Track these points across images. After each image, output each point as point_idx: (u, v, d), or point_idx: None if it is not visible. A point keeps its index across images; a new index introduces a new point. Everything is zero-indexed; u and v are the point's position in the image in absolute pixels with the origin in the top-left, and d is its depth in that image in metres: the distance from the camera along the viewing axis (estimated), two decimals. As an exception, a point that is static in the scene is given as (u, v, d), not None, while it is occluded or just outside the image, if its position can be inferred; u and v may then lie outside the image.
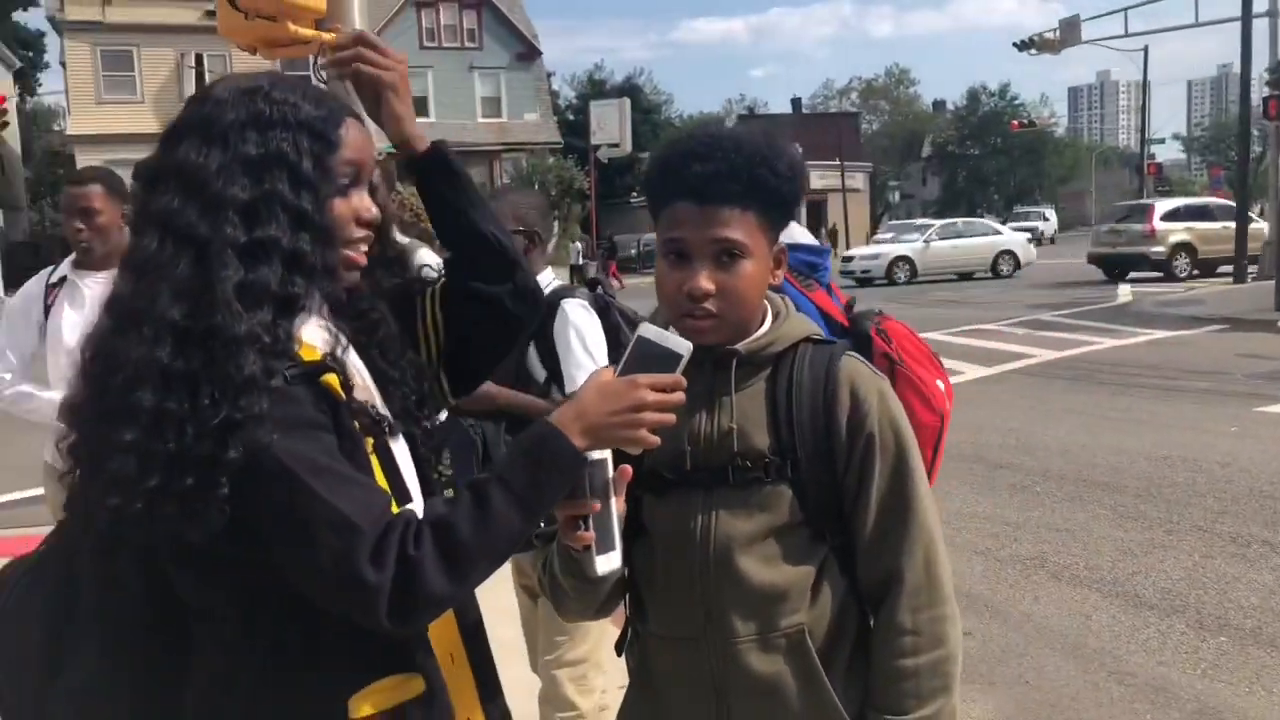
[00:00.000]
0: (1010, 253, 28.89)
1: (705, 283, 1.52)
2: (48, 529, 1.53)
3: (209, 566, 1.28)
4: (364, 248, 1.42)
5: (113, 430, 1.20)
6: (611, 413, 1.33)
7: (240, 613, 1.31)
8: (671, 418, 1.36)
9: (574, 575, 1.58)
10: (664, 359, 1.37)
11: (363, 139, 1.41)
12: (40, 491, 3.75)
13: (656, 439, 1.36)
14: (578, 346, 2.77)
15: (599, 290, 3.02)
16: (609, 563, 1.41)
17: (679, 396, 1.37)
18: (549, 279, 2.96)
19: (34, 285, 3.72)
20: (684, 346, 1.38)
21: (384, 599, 1.22)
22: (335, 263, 1.37)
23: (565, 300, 2.85)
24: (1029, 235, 33.25)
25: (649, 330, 1.40)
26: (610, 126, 32.93)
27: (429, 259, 3.21)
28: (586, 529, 1.39)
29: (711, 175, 1.53)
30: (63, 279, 3.66)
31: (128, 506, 1.19)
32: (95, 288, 3.56)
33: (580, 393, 1.37)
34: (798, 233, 3.02)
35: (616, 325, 2.89)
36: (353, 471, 1.29)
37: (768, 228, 1.58)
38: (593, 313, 2.86)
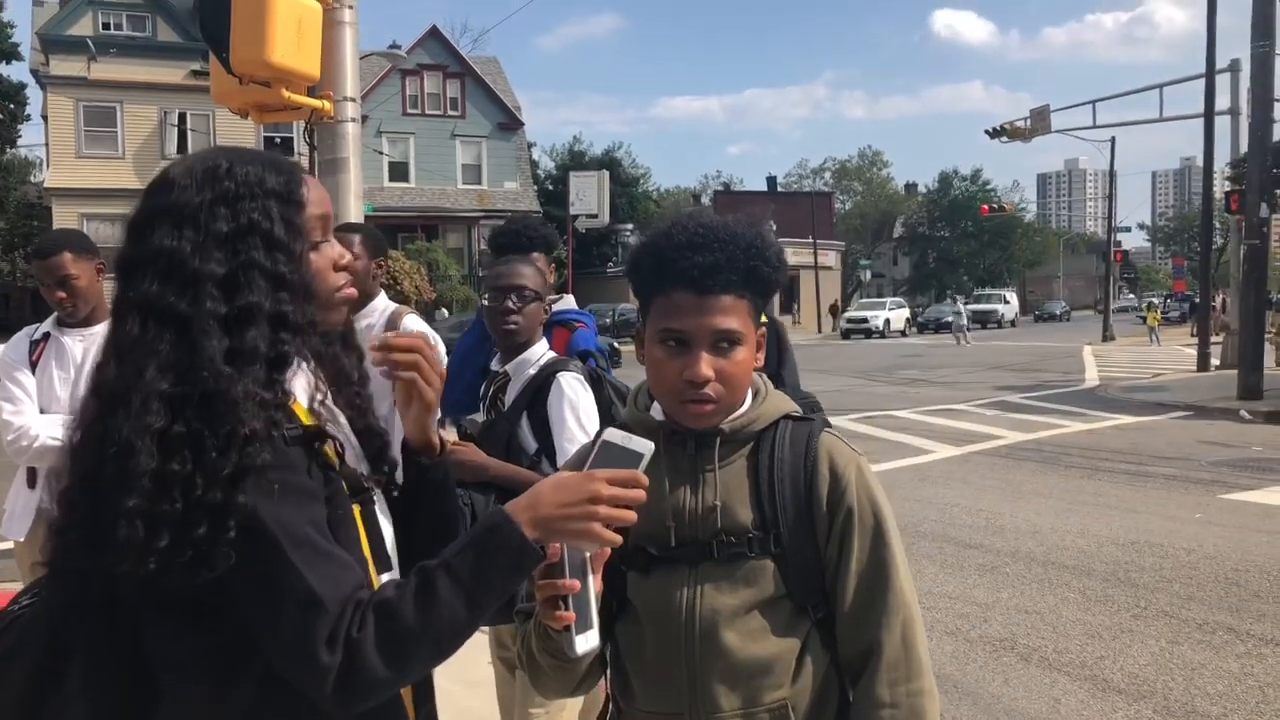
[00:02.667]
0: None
1: (706, 369, 1.56)
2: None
3: (190, 619, 1.28)
4: (348, 288, 1.48)
5: (114, 499, 1.21)
6: (564, 504, 1.31)
7: (214, 670, 1.30)
8: (631, 515, 1.34)
9: (551, 654, 1.57)
10: (627, 459, 1.37)
11: (321, 193, 1.47)
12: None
13: (614, 536, 1.34)
14: (571, 420, 2.76)
15: (590, 363, 3.03)
16: (587, 642, 1.40)
17: (638, 493, 1.35)
18: (543, 350, 2.96)
19: (20, 341, 3.74)
20: (646, 446, 1.38)
21: (331, 679, 1.23)
22: (314, 316, 1.40)
23: (561, 374, 2.84)
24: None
25: (613, 434, 1.41)
26: (589, 197, 33.35)
27: (414, 326, 3.23)
28: (566, 609, 1.38)
29: (711, 266, 1.56)
30: (46, 335, 3.70)
31: (139, 569, 1.20)
32: (80, 344, 3.63)
33: (537, 485, 1.37)
34: (570, 301, 3.70)
35: (609, 399, 2.89)
36: (331, 545, 1.31)
37: (755, 313, 1.63)
38: (588, 387, 2.86)
